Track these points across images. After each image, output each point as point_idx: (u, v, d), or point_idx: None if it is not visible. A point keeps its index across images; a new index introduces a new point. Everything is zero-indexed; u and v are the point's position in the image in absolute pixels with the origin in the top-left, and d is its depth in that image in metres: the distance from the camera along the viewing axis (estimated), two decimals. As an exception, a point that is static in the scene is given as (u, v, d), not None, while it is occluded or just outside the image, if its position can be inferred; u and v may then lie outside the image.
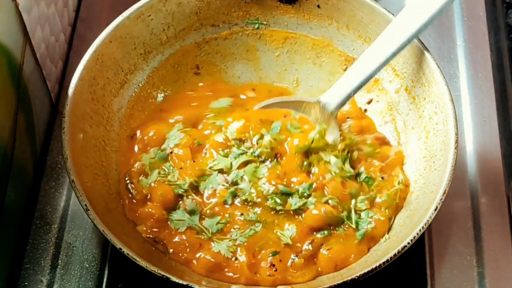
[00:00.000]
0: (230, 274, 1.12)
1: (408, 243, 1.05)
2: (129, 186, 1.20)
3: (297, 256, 1.13)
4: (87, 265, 1.19)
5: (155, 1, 1.26)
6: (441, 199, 1.09)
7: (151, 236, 1.15)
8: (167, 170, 1.19)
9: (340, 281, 1.03)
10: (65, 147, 1.11)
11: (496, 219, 1.26)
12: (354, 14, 1.28)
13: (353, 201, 1.17)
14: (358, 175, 1.21)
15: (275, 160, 1.19)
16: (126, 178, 1.20)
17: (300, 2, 1.32)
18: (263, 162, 1.19)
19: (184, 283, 1.02)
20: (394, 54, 1.18)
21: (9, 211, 1.16)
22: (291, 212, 1.15)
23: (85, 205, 1.07)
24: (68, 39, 1.41)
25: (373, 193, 1.19)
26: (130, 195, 1.19)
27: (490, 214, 1.26)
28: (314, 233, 1.14)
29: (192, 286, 1.01)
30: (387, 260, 1.04)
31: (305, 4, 1.32)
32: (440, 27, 1.47)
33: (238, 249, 1.13)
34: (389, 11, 1.24)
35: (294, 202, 1.15)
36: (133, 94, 1.29)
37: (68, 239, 1.21)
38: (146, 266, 1.03)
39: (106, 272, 1.19)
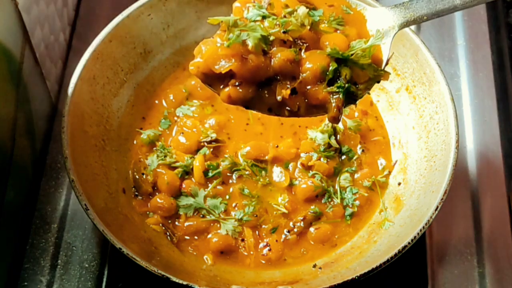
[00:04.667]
0: (241, 253, 1.18)
1: (409, 242, 1.05)
2: (136, 179, 1.22)
3: (289, 232, 1.18)
4: (86, 265, 1.19)
5: (155, 0, 1.26)
6: (442, 199, 1.09)
7: (161, 226, 1.18)
8: (162, 151, 1.24)
9: (340, 281, 1.03)
10: (64, 147, 1.11)
11: (497, 219, 1.26)
12: (354, 14, 1.28)
13: (337, 180, 1.24)
14: (339, 149, 1.25)
15: (297, 48, 0.98)
16: (135, 173, 1.22)
17: (301, 2, 1.31)
18: (284, 43, 0.98)
19: (184, 283, 1.02)
20: None
21: (9, 210, 1.16)
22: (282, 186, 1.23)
23: (85, 204, 1.07)
24: (67, 39, 1.41)
25: (354, 167, 1.25)
26: (137, 192, 1.22)
27: (491, 214, 1.26)
28: (307, 209, 1.20)
29: (192, 286, 1.02)
30: (388, 260, 1.04)
31: (306, 3, 1.31)
32: (441, 27, 1.46)
33: (244, 229, 1.18)
34: (389, 11, 1.23)
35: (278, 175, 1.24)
36: (133, 94, 1.29)
37: (68, 239, 1.21)
38: (146, 266, 1.03)
39: (106, 272, 1.19)
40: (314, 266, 1.17)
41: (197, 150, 1.25)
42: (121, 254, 1.04)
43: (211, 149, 1.24)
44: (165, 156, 1.23)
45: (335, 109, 0.97)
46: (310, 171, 1.23)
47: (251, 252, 1.17)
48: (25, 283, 1.17)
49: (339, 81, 0.97)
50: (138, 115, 1.29)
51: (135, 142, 1.27)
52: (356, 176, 1.24)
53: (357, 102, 1.00)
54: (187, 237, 1.19)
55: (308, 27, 0.98)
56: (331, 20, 1.01)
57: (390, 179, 1.25)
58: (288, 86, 0.97)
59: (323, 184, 1.22)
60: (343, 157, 1.26)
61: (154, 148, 1.26)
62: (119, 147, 1.24)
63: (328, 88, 0.97)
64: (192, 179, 1.22)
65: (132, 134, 1.27)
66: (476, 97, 1.38)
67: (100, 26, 1.23)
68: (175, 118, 1.29)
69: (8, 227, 1.17)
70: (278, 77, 0.97)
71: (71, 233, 1.22)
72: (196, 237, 1.19)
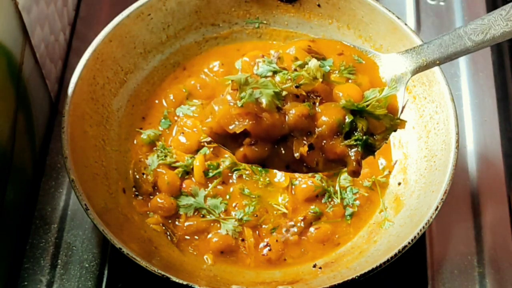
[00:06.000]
0: (242, 252, 1.18)
1: (409, 242, 1.05)
2: (137, 179, 1.22)
3: (289, 232, 1.19)
4: (86, 265, 1.19)
5: (155, 0, 1.26)
6: (442, 199, 1.09)
7: (161, 225, 1.19)
8: (162, 151, 1.24)
9: (340, 281, 1.03)
10: (64, 147, 1.11)
11: (497, 219, 1.26)
12: (354, 14, 1.28)
13: (337, 180, 1.23)
14: None
15: (311, 102, 0.96)
16: (135, 173, 1.22)
17: (301, 1, 1.31)
18: (297, 98, 0.96)
19: (184, 283, 1.02)
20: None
21: (8, 211, 1.16)
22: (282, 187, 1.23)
23: (85, 204, 1.07)
24: (67, 39, 1.41)
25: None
26: (137, 192, 1.22)
27: (491, 214, 1.26)
28: (307, 209, 1.20)
29: (192, 286, 1.02)
30: (388, 260, 1.04)
31: (306, 3, 1.31)
32: (441, 26, 1.46)
33: (245, 229, 1.18)
34: (389, 10, 1.23)
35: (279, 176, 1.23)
36: (133, 94, 1.29)
37: (68, 239, 1.21)
38: (146, 266, 1.03)
39: (105, 272, 1.19)
40: (314, 266, 1.17)
41: (197, 150, 1.25)
42: (121, 254, 1.04)
43: (212, 149, 1.24)
44: (165, 156, 1.23)
45: (354, 163, 0.95)
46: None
47: (251, 252, 1.17)
48: (25, 283, 1.17)
49: (356, 134, 0.95)
50: (138, 115, 1.29)
51: (135, 142, 1.27)
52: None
53: (376, 153, 0.97)
54: (187, 237, 1.19)
55: (321, 80, 0.96)
56: (342, 70, 0.99)
57: (390, 179, 1.25)
58: (305, 141, 0.95)
59: (323, 184, 1.22)
60: None
61: (154, 148, 1.26)
62: (119, 147, 1.24)
63: (346, 142, 0.95)
64: (192, 179, 1.23)
65: (132, 134, 1.27)
66: (476, 97, 1.38)
67: (100, 26, 1.23)
68: (175, 118, 1.29)
69: (8, 227, 1.17)
70: (293, 133, 0.95)
71: (71, 233, 1.22)
72: (196, 237, 1.19)
